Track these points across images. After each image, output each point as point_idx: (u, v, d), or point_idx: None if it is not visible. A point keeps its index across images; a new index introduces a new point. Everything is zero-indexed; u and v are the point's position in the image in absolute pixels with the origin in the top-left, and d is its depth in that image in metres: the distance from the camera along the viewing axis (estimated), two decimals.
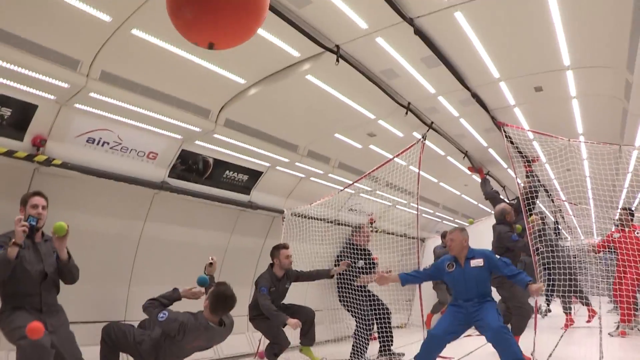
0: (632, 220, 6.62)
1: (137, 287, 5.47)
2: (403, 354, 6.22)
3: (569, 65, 4.72)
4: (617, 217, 6.68)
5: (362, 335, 6.05)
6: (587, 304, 7.84)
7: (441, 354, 5.27)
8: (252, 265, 7.03)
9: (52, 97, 4.13)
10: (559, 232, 7.92)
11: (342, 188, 6.92)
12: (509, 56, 4.69)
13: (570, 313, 7.84)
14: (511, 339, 4.35)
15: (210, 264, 4.90)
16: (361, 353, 5.96)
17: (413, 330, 8.55)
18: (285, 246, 5.78)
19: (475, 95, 5.34)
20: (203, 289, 4.58)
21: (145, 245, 5.52)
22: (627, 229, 6.47)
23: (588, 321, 7.70)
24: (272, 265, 5.75)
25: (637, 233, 6.42)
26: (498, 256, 4.78)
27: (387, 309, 6.46)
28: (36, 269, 3.62)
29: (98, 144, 4.74)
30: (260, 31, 4.01)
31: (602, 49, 4.45)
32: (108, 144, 4.80)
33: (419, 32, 4.20)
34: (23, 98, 4.04)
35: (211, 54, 4.18)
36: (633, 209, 6.76)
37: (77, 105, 4.31)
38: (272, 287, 5.54)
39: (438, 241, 9.35)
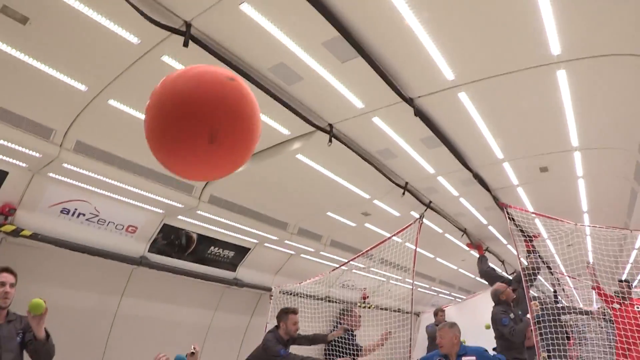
0: (630, 293, 6.34)
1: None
2: None
3: (577, 146, 4.53)
4: (614, 290, 6.40)
5: None
6: None
7: None
8: (237, 344, 6.62)
9: (23, 164, 3.86)
10: (557, 302, 7.55)
11: (334, 266, 6.59)
12: (514, 137, 4.49)
13: None
14: None
15: (192, 353, 4.44)
16: None
17: None
18: (294, 311, 5.12)
19: (477, 176, 5.11)
20: None
21: (121, 321, 5.16)
22: (627, 302, 6.17)
23: None
24: (277, 327, 5.08)
25: (637, 307, 6.11)
26: (494, 353, 4.42)
27: None
28: None
29: (73, 215, 4.45)
30: None
31: (615, 131, 4.26)
32: (84, 215, 4.51)
33: (419, 113, 3.98)
34: None
35: None
36: (632, 283, 6.49)
37: (50, 174, 4.03)
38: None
39: (432, 318, 9.00)
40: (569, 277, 7.40)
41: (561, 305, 7.43)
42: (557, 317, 6.51)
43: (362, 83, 3.67)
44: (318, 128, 4.13)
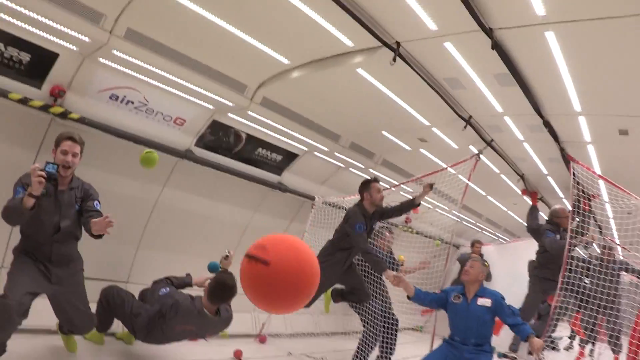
0: None
1: (145, 252, 5.27)
2: None
3: None
4: None
5: (368, 342, 5.58)
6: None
7: None
8: None
9: (74, 47, 3.76)
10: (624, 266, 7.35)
11: (385, 186, 6.47)
12: (599, 91, 4.01)
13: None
14: None
15: (227, 256, 4.53)
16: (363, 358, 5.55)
17: (427, 338, 8.20)
18: (376, 179, 5.05)
19: (547, 124, 4.68)
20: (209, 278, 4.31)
21: (160, 211, 5.25)
22: None
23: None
24: (361, 201, 5.02)
25: None
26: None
27: (396, 319, 6.03)
28: (51, 220, 3.42)
29: (122, 102, 4.40)
30: (313, 14, 3.53)
31: None
32: (132, 103, 4.45)
33: (497, 46, 3.55)
34: (43, 45, 3.68)
35: (253, 27, 3.76)
36: None
37: (101, 60, 3.94)
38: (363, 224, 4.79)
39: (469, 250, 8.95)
40: (620, 245, 7.03)
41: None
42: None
43: (439, 3, 3.27)
44: (384, 44, 3.77)
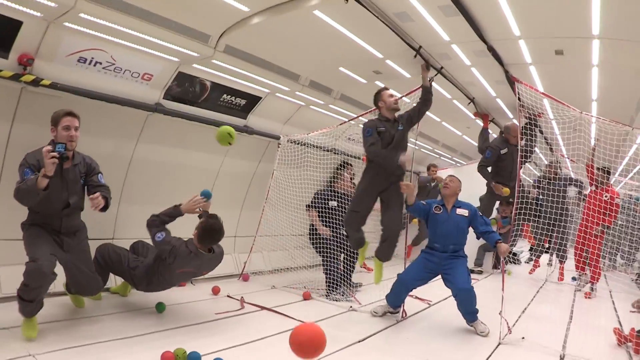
0: (607, 180, 6.77)
1: (126, 207, 5.49)
2: (360, 284, 6.54)
3: (598, 34, 4.45)
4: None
5: (332, 270, 6.11)
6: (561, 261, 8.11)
7: (420, 297, 5.82)
8: (244, 188, 7.06)
9: (38, 14, 3.82)
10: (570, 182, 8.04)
11: (342, 120, 6.84)
12: (533, 16, 4.39)
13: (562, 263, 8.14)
14: (474, 298, 4.81)
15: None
16: (334, 288, 6.04)
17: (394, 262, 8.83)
18: (386, 87, 5.08)
19: (491, 49, 5.07)
20: (204, 199, 4.56)
21: (136, 165, 5.45)
22: (599, 188, 6.71)
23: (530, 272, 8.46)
24: (379, 111, 5.07)
25: (605, 197, 6.60)
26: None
27: None
28: (60, 197, 3.68)
29: (90, 63, 4.50)
30: None
31: (636, 23, 4.15)
32: (100, 64, 4.57)
33: None
34: (5, 13, 3.73)
35: None
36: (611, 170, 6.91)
37: (66, 24, 4.02)
38: (379, 127, 4.80)
39: None
40: (569, 159, 7.68)
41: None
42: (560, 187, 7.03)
43: None
44: None
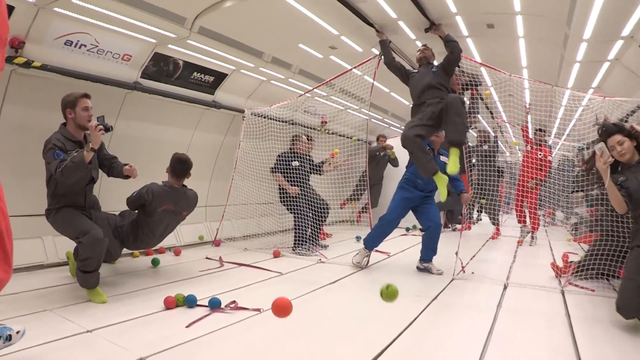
0: (542, 139, 7.64)
1: (106, 182, 5.74)
2: (327, 246, 7.13)
3: (519, 10, 5.22)
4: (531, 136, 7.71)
5: (300, 225, 6.75)
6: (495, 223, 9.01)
7: (379, 249, 6.27)
8: (212, 160, 7.54)
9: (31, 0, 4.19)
10: (497, 148, 8.84)
11: (301, 93, 7.39)
12: None
13: (498, 225, 9.01)
14: (439, 234, 5.52)
15: None
16: (301, 242, 6.69)
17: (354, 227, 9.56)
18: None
19: (433, 24, 5.73)
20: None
21: (116, 141, 5.79)
22: (534, 148, 7.57)
23: (493, 238, 8.85)
24: None
25: (539, 155, 7.50)
26: None
27: (326, 203, 7.32)
28: (86, 174, 4.01)
29: (76, 46, 4.88)
30: None
31: (549, 2, 4.95)
32: (85, 46, 4.95)
33: None
34: None
35: None
36: (544, 131, 7.76)
37: (56, 9, 4.39)
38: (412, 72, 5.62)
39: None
40: (509, 124, 8.53)
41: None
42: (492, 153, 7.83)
43: None
44: None
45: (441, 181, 4.80)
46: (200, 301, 3.91)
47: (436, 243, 5.49)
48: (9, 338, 2.63)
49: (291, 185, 6.89)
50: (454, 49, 5.21)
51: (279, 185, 7.06)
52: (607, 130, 3.92)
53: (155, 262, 5.41)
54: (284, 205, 7.04)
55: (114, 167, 4.42)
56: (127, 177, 4.36)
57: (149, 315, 3.62)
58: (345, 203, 9.35)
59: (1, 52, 1.93)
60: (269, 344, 3.13)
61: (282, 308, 2.88)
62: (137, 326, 3.36)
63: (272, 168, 7.06)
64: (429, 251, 5.51)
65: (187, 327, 3.38)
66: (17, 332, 2.70)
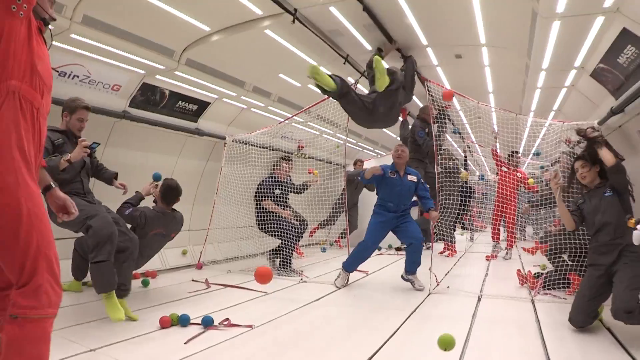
0: (518, 161, 8.07)
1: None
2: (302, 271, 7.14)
3: (484, 42, 5.69)
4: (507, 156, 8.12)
5: (286, 249, 6.98)
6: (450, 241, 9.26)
7: (357, 269, 6.32)
8: (195, 185, 7.75)
9: None
10: (466, 168, 9.28)
11: (279, 120, 7.73)
12: (436, 28, 5.58)
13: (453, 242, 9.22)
14: (422, 249, 5.74)
15: (156, 186, 5.45)
16: (286, 264, 6.94)
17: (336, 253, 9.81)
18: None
19: (404, 56, 6.16)
20: (156, 183, 5.32)
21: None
22: (510, 169, 7.97)
23: (442, 251, 9.12)
24: None
25: (519, 175, 7.92)
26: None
27: (305, 222, 7.63)
28: (79, 162, 4.17)
29: (69, 77, 5.10)
30: None
31: (511, 36, 5.46)
32: (78, 77, 5.17)
33: (366, 9, 5.01)
34: None
35: (180, 2, 4.69)
36: (519, 153, 8.19)
37: (53, 43, 4.60)
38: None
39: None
40: (478, 145, 8.98)
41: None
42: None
43: None
44: (285, 10, 4.97)
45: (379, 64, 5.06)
46: (193, 320, 4.10)
47: (419, 256, 5.69)
48: None
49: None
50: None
51: (256, 211, 7.30)
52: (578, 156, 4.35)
53: (145, 283, 5.62)
54: (262, 229, 7.27)
55: (101, 171, 4.76)
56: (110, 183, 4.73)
57: (147, 333, 3.82)
58: (315, 230, 9.58)
59: (48, 97, 2.17)
60: (263, 357, 3.37)
61: (263, 275, 3.92)
62: (138, 344, 3.56)
63: (259, 195, 7.28)
64: (412, 264, 5.71)
65: (185, 343, 3.59)
66: None
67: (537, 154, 7.24)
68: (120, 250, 4.26)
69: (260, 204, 7.26)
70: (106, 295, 3.92)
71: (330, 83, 4.99)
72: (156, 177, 5.37)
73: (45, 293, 1.91)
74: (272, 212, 7.15)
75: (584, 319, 3.93)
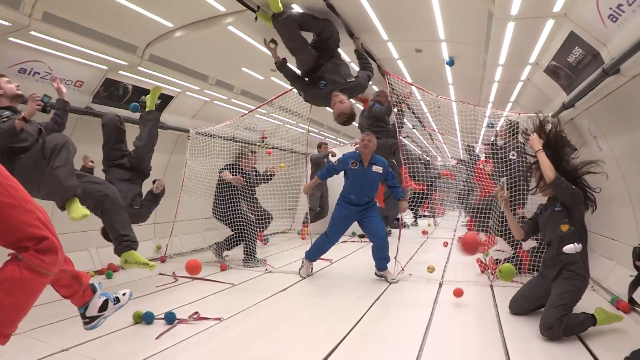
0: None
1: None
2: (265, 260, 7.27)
3: (444, 38, 5.89)
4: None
5: (250, 241, 7.06)
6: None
7: (322, 257, 6.48)
8: (160, 178, 7.71)
9: None
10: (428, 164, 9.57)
11: (243, 112, 7.81)
12: (398, 24, 5.73)
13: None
14: (388, 245, 5.73)
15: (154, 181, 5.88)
16: (252, 256, 7.04)
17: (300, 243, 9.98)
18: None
19: (366, 50, 6.28)
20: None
21: None
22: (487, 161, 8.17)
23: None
24: None
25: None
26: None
27: (270, 214, 7.79)
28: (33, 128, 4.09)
29: (29, 73, 5.05)
30: None
31: (469, 33, 5.68)
32: (39, 73, 5.12)
33: (330, 6, 5.06)
34: None
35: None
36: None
37: (11, 39, 4.55)
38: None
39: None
40: (439, 133, 9.24)
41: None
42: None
43: None
44: (248, 7, 5.01)
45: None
46: (160, 315, 4.18)
47: (385, 252, 5.70)
48: (116, 300, 2.92)
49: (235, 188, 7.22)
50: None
51: (213, 205, 7.37)
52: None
53: (108, 275, 5.87)
54: (218, 218, 7.37)
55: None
56: None
57: (118, 330, 3.90)
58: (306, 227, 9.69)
59: None
60: (233, 349, 3.50)
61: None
62: (110, 341, 3.64)
63: (221, 169, 7.37)
64: (381, 261, 5.74)
65: (156, 338, 3.70)
66: (124, 294, 3.00)
67: (490, 126, 7.41)
68: (100, 200, 4.17)
69: (219, 192, 7.31)
70: (69, 202, 3.66)
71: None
72: (133, 108, 5.76)
73: (54, 253, 2.09)
74: (228, 182, 7.18)
75: (515, 310, 4.24)
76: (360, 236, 9.94)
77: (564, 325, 3.50)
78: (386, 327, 4.01)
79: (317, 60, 5.16)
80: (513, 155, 5.95)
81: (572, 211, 3.93)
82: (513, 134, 6.07)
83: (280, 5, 4.70)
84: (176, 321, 4.08)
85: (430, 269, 5.97)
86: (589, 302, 4.09)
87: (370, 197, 5.82)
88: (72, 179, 3.68)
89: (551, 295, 3.78)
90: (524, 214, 5.83)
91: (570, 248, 3.81)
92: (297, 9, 5.16)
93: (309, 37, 5.21)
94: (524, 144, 5.66)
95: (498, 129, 6.70)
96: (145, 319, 4.06)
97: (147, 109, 5.86)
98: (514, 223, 4.39)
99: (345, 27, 5.59)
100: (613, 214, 3.94)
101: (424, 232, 10.14)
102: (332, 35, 5.20)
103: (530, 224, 4.36)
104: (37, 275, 2.05)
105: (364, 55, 5.66)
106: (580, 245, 3.83)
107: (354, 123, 10.01)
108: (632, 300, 3.84)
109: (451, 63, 6.34)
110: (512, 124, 6.08)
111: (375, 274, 5.86)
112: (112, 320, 4.00)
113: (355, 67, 6.12)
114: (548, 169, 3.92)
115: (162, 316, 4.12)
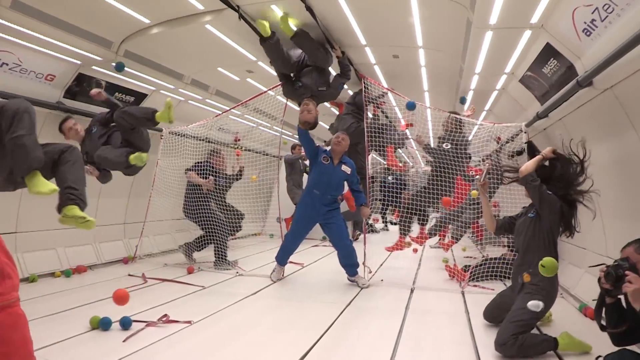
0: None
1: (27, 201, 5.57)
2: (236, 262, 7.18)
3: (421, 45, 5.94)
4: None
5: (221, 243, 6.95)
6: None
7: (293, 261, 6.52)
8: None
9: None
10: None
11: (217, 112, 7.73)
12: (375, 30, 5.76)
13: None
14: (354, 251, 5.73)
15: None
16: (223, 259, 6.95)
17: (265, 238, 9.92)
18: None
19: (343, 53, 6.23)
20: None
21: None
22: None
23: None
24: None
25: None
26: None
27: (241, 213, 7.73)
28: None
29: None
30: None
31: (447, 41, 5.74)
32: (7, 65, 4.95)
33: (309, 9, 5.05)
34: None
35: None
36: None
37: None
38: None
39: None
40: (413, 139, 9.26)
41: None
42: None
43: None
44: (228, 6, 4.94)
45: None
46: (133, 317, 4.04)
47: (353, 259, 5.69)
48: None
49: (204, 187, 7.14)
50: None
51: (184, 203, 7.27)
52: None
53: (67, 274, 5.85)
54: (188, 217, 7.26)
55: None
56: None
57: (84, 333, 3.78)
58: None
59: None
60: (203, 353, 3.44)
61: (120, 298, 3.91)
62: (75, 345, 3.51)
63: (188, 169, 7.26)
64: (349, 267, 5.72)
65: (123, 341, 3.60)
66: None
67: (462, 101, 7.48)
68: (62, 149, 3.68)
69: (190, 191, 7.22)
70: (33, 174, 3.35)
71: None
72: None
73: (8, 277, 1.82)
74: (196, 184, 7.10)
75: (488, 319, 4.16)
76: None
77: (519, 343, 3.30)
78: (358, 332, 3.99)
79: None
80: (447, 145, 6.14)
81: (542, 218, 3.71)
82: (459, 127, 6.33)
83: (268, 30, 5.20)
84: (145, 324, 3.97)
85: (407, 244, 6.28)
86: (557, 309, 4.14)
87: (333, 196, 5.75)
88: (38, 149, 3.33)
89: (511, 309, 3.58)
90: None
91: (533, 305, 3.50)
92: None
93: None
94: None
95: (465, 111, 6.76)
96: (102, 325, 3.88)
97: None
98: (489, 212, 4.20)
99: (325, 36, 5.60)
100: (583, 223, 4.00)
101: (415, 251, 9.74)
102: (316, 62, 5.87)
103: (507, 221, 4.16)
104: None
105: (344, 63, 6.05)
106: (542, 303, 3.53)
107: (325, 126, 10.05)
108: (603, 328, 3.36)
109: (412, 107, 6.32)
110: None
111: (348, 279, 5.83)
112: (74, 322, 3.97)
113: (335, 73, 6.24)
114: (529, 164, 3.79)
115: (136, 318, 4.05)
